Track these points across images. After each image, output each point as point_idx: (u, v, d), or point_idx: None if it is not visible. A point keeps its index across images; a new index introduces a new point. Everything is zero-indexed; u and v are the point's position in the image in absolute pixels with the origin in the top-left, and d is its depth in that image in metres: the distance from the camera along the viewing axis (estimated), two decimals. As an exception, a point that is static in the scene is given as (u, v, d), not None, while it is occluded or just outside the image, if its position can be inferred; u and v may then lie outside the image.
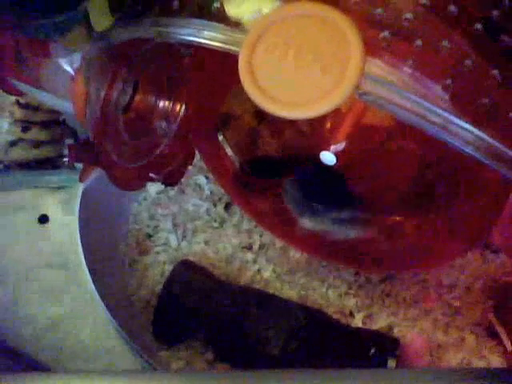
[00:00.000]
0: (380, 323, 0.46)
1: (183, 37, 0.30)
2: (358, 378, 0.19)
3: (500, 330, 0.45)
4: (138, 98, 0.48)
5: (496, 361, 0.44)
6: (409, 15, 0.28)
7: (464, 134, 0.27)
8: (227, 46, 0.28)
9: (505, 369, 0.33)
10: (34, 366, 0.46)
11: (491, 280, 0.48)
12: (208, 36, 0.29)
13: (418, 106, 0.27)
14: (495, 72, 0.29)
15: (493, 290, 0.48)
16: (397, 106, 0.27)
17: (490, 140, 0.28)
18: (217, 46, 0.29)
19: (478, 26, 0.29)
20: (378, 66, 0.27)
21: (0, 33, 0.45)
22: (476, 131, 0.27)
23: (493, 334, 0.45)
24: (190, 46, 0.42)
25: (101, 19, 0.46)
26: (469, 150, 0.27)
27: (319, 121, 0.42)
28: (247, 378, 0.18)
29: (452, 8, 0.29)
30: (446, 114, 0.27)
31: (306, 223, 0.44)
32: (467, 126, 0.27)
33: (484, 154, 0.28)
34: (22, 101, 0.56)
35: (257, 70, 0.26)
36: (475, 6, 0.29)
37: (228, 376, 0.19)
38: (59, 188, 0.57)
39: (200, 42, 0.29)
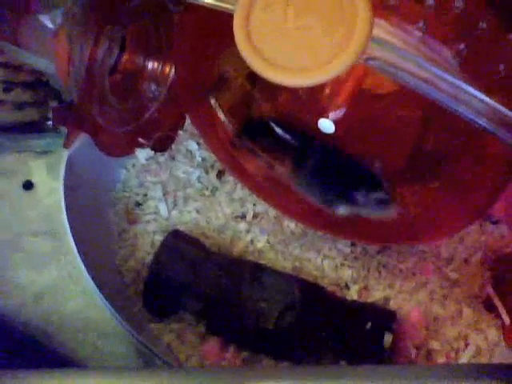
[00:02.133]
0: (376, 295, 0.45)
1: None
2: (358, 374, 0.17)
3: (498, 303, 0.44)
4: (125, 58, 0.46)
5: (493, 334, 0.43)
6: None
7: (475, 103, 0.25)
8: (221, 4, 0.26)
9: (505, 365, 0.32)
10: (21, 339, 0.45)
11: (490, 252, 0.47)
12: None
13: (427, 72, 0.25)
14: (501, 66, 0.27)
15: (491, 262, 0.47)
16: (405, 72, 0.25)
17: (504, 110, 0.26)
18: (210, 3, 0.26)
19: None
20: (386, 29, 0.25)
21: None
22: (488, 100, 0.25)
23: (490, 307, 0.44)
24: (181, 2, 0.39)
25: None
26: (480, 121, 0.25)
27: (317, 85, 0.40)
28: (246, 375, 0.17)
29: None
30: (457, 82, 0.25)
31: (342, 211, 0.42)
32: (479, 94, 0.25)
33: (496, 125, 0.26)
34: (2, 60, 0.53)
35: (253, 31, 0.24)
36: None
37: (228, 373, 0.18)
38: (44, 153, 0.55)
39: None
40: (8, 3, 0.44)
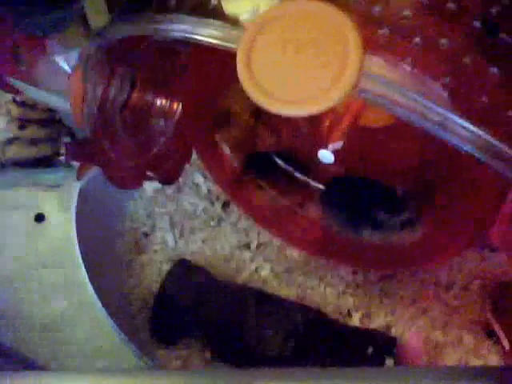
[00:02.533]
0: (378, 322, 0.46)
1: (180, 34, 0.30)
2: (357, 376, 0.18)
3: (498, 329, 0.45)
4: (135, 95, 0.48)
5: (494, 360, 0.44)
6: (407, 13, 0.28)
7: (462, 132, 0.27)
8: (225, 43, 0.28)
9: (503, 367, 0.33)
10: (31, 365, 0.46)
11: (489, 279, 0.48)
12: (205, 33, 0.28)
13: (416, 103, 0.27)
14: (494, 70, 0.29)
15: (491, 289, 0.48)
16: (395, 103, 0.27)
17: (489, 138, 0.27)
18: (214, 43, 0.28)
19: (477, 23, 0.29)
20: (376, 64, 0.27)
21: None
22: (475, 129, 0.27)
23: (490, 333, 0.45)
24: (188, 43, 0.41)
25: (98, 17, 0.45)
26: (467, 148, 0.27)
27: (317, 119, 0.42)
28: (246, 376, 0.18)
29: (451, 5, 0.28)
30: (444, 112, 0.27)
31: (368, 236, 0.43)
32: (466, 124, 0.27)
33: (482, 152, 0.27)
34: (18, 99, 0.56)
35: (255, 67, 0.26)
36: (474, 3, 0.29)
37: (226, 374, 0.19)
38: (56, 186, 0.57)
39: (197, 39, 0.29)
40: (26, 45, 0.47)
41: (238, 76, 0.26)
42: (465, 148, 0.27)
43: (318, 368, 0.20)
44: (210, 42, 0.29)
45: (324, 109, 0.25)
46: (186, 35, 0.29)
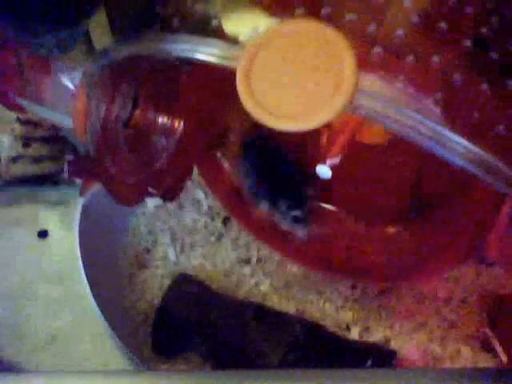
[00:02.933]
0: (376, 336, 0.47)
1: (182, 53, 0.31)
2: (357, 378, 0.19)
3: (495, 342, 0.45)
4: (137, 113, 0.49)
5: (492, 373, 0.44)
6: (400, 32, 0.29)
7: (455, 146, 0.28)
8: (225, 62, 0.29)
9: (502, 369, 0.33)
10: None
11: (486, 293, 0.49)
12: (207, 52, 0.29)
13: (410, 119, 0.28)
14: (484, 86, 0.30)
15: (488, 303, 0.48)
16: (390, 119, 0.28)
17: (481, 153, 0.28)
18: (215, 62, 0.30)
19: (468, 42, 0.30)
20: (371, 81, 0.28)
21: (2, 49, 0.46)
22: (467, 144, 0.28)
23: (488, 347, 0.46)
24: (189, 62, 0.43)
25: (102, 37, 0.47)
26: (460, 162, 0.28)
27: (315, 135, 0.43)
28: (245, 377, 0.19)
29: (442, 25, 0.30)
30: (437, 127, 0.28)
31: (263, 207, 0.43)
32: (458, 139, 0.28)
33: (475, 166, 0.28)
34: (22, 117, 0.57)
35: (254, 84, 0.27)
36: (464, 22, 0.30)
37: (225, 375, 0.19)
38: (59, 203, 0.58)
39: (198, 58, 0.30)
40: (31, 64, 0.48)
41: (238, 93, 0.27)
42: (458, 162, 0.28)
43: (318, 369, 0.21)
44: (211, 61, 0.30)
45: (320, 124, 0.26)
46: (188, 54, 0.30)
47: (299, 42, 0.27)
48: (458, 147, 0.28)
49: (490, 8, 0.31)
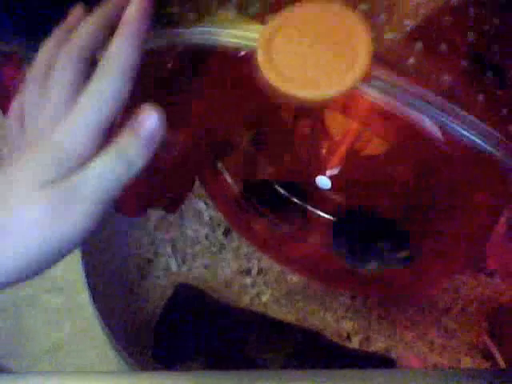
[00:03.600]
0: (377, 346, 0.47)
1: (202, 38, 0.31)
2: (357, 378, 0.19)
3: (495, 351, 0.45)
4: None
5: (492, 382, 0.45)
6: (412, 60, 0.30)
7: (465, 120, 0.29)
8: (245, 42, 0.30)
9: (501, 369, 0.34)
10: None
11: (486, 302, 0.49)
12: (226, 34, 0.30)
13: (422, 93, 0.29)
14: (480, 98, 0.31)
15: (487, 313, 0.49)
16: (402, 90, 0.28)
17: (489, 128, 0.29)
18: (235, 43, 0.30)
19: (464, 62, 0.31)
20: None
21: (8, 64, 0.47)
22: (475, 120, 0.29)
23: (488, 356, 0.46)
24: (192, 74, 0.43)
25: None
26: (470, 136, 0.29)
27: (315, 148, 0.44)
28: (246, 377, 0.19)
29: (443, 47, 0.31)
30: (448, 104, 0.29)
31: (372, 268, 0.44)
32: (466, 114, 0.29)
33: (484, 140, 0.29)
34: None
35: (274, 57, 0.28)
36: (462, 44, 0.31)
37: (226, 376, 0.20)
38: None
39: (219, 41, 0.31)
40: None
41: (259, 65, 0.28)
42: (467, 136, 0.29)
43: (318, 370, 0.21)
44: (231, 43, 0.30)
45: (337, 93, 0.27)
46: (208, 38, 0.31)
47: (317, 20, 0.28)
48: (466, 121, 0.29)
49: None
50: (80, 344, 0.49)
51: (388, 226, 0.44)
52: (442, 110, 0.29)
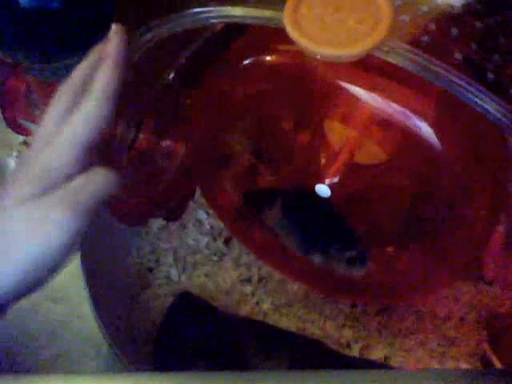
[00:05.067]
0: (377, 354, 0.47)
1: (220, 16, 0.32)
2: (355, 378, 0.20)
3: (494, 359, 0.45)
4: (141, 137, 0.50)
5: (491, 390, 0.45)
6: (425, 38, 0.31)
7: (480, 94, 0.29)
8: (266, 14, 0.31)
9: (501, 370, 0.34)
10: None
11: (485, 311, 0.49)
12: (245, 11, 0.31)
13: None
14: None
15: (487, 321, 0.49)
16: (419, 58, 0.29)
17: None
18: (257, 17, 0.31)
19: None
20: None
21: (12, 75, 0.48)
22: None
23: (487, 364, 0.46)
24: (192, 86, 0.44)
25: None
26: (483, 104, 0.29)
27: (314, 156, 0.44)
28: (245, 378, 0.20)
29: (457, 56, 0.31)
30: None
31: (317, 260, 0.44)
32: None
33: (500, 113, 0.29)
34: (29, 141, 0.58)
35: (300, 22, 0.29)
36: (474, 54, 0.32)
37: (225, 376, 0.20)
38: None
39: (238, 16, 0.32)
40: (41, 92, 0.49)
41: (287, 30, 0.29)
42: (480, 105, 0.29)
43: (318, 371, 0.21)
44: (251, 16, 0.31)
45: (360, 53, 0.28)
46: (225, 18, 0.32)
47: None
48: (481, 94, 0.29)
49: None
50: (81, 353, 0.49)
51: (340, 223, 0.44)
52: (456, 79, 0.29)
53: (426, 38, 0.30)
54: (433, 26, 0.31)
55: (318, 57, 0.29)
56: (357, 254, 0.42)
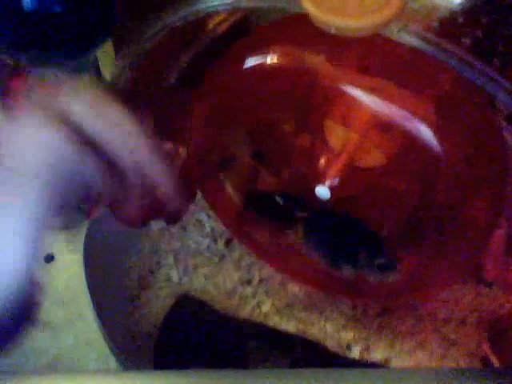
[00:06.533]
0: (377, 355, 0.47)
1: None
2: (356, 377, 0.20)
3: (495, 361, 0.45)
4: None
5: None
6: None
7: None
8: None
9: (501, 369, 0.34)
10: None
11: (485, 313, 0.49)
12: None
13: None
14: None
15: (487, 323, 0.49)
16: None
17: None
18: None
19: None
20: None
21: (14, 77, 0.48)
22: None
23: (488, 366, 0.46)
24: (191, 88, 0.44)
25: (109, 65, 0.49)
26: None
27: (315, 159, 0.44)
28: (245, 377, 0.20)
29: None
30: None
31: (347, 272, 0.45)
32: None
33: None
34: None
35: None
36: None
37: (225, 375, 0.20)
38: (64, 228, 0.59)
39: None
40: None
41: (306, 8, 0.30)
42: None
43: (319, 369, 0.21)
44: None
45: (373, 25, 0.29)
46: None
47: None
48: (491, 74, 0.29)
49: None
50: (82, 355, 0.49)
51: (363, 231, 0.44)
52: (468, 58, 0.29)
53: (435, 24, 0.31)
54: (442, 14, 0.31)
55: (326, 28, 0.30)
56: (386, 261, 0.42)
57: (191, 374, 0.20)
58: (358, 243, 0.44)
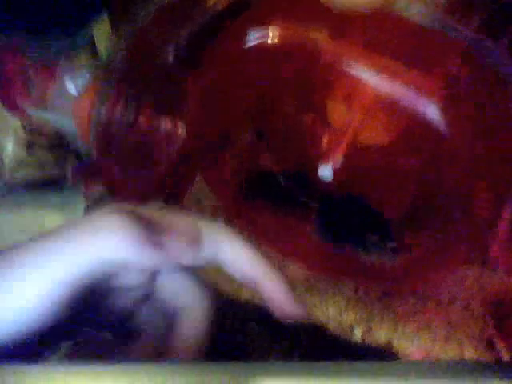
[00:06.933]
0: (379, 337, 0.47)
1: None
2: (357, 370, 0.19)
3: (499, 343, 0.45)
4: (141, 119, 0.49)
5: (495, 374, 0.44)
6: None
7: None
8: None
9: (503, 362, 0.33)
10: None
11: (490, 295, 0.49)
12: None
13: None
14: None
15: (491, 305, 0.48)
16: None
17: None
18: None
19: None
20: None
21: (8, 55, 0.47)
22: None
23: (492, 348, 0.46)
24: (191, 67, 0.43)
25: (105, 43, 0.47)
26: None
27: (317, 138, 0.44)
28: (242, 370, 0.19)
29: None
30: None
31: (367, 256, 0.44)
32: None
33: None
34: (26, 123, 0.58)
35: None
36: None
37: (222, 368, 0.19)
38: (61, 208, 0.58)
39: None
40: (38, 73, 0.49)
41: None
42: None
43: (319, 362, 0.21)
44: None
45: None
46: None
47: None
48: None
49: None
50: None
51: (374, 216, 0.43)
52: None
53: (443, 1, 0.30)
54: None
55: (330, 2, 0.29)
56: (398, 244, 0.41)
57: (193, 366, 0.19)
58: (366, 226, 0.44)
